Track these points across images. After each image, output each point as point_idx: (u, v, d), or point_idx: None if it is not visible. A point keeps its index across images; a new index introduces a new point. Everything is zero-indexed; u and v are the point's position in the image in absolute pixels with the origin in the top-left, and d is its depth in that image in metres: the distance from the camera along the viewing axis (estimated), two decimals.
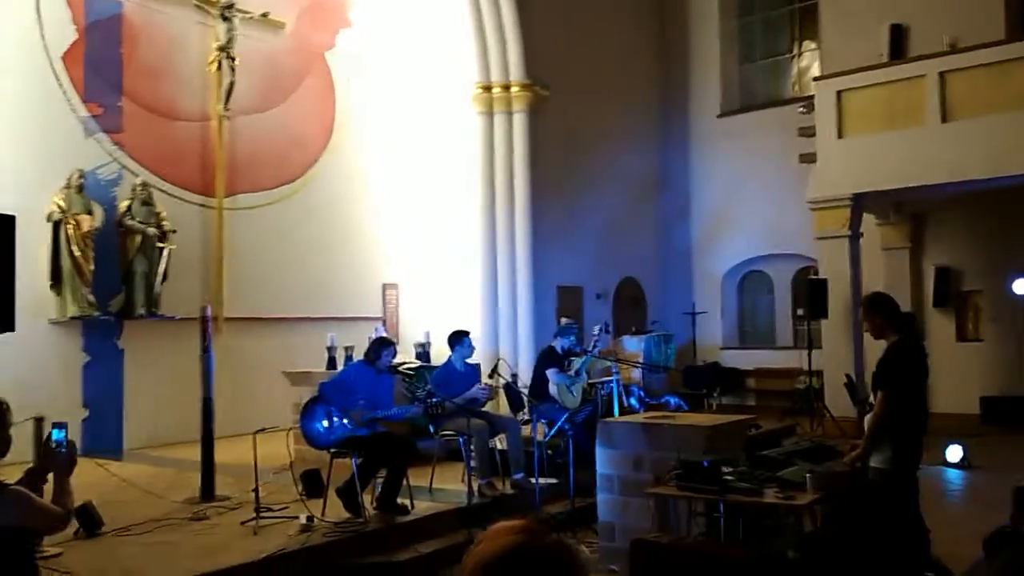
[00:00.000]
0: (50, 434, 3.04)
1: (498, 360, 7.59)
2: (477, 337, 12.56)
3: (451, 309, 12.93)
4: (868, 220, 13.32)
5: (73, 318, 9.57)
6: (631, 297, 15.45)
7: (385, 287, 13.06)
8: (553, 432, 7.26)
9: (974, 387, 12.93)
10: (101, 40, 10.05)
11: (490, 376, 7.18)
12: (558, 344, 8.25)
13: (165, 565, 5.20)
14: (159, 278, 10.22)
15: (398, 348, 7.08)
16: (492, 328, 12.90)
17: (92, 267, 9.64)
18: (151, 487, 7.45)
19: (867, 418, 4.72)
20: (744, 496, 4.19)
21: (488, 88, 13.06)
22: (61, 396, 9.57)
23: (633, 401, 9.96)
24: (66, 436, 3.04)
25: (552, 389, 7.80)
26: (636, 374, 10.28)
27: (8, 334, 9.16)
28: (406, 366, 8.89)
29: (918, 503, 4.73)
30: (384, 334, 8.45)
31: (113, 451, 9.80)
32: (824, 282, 11.74)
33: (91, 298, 9.63)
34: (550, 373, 7.84)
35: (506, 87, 13.05)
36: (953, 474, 9.14)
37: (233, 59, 10.97)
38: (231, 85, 10.99)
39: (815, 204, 11.94)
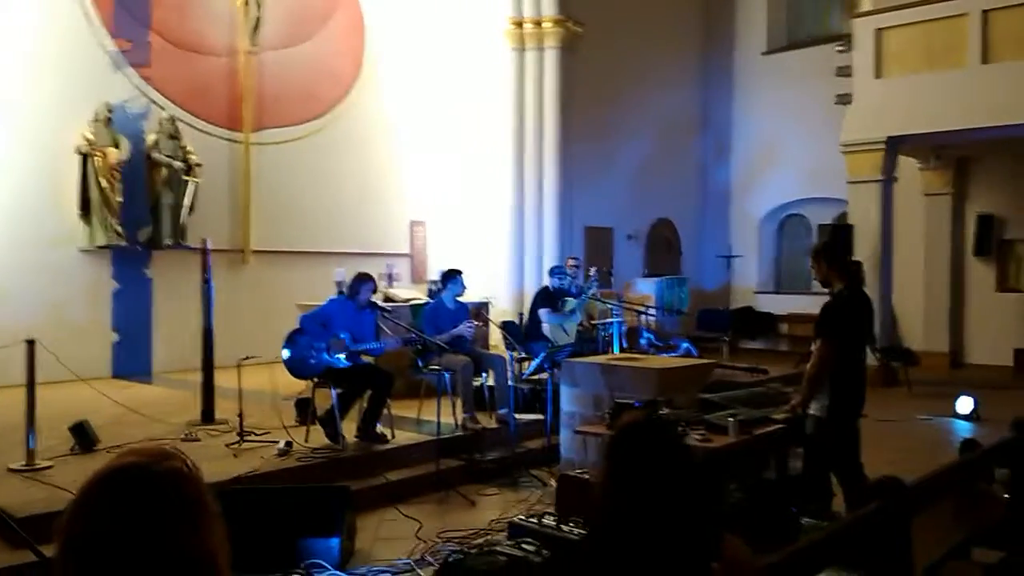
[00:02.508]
0: None
1: (485, 301, 7.67)
2: (503, 274, 12.85)
3: (478, 247, 13.07)
4: (910, 164, 12.92)
5: (101, 247, 9.99)
6: (664, 239, 15.34)
7: (413, 224, 13.22)
8: (532, 369, 7.38)
9: (1010, 339, 12.59)
10: None
11: (476, 315, 7.29)
12: (551, 284, 8.33)
13: None
14: (185, 210, 10.55)
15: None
16: (518, 267, 13.00)
17: (120, 198, 10.00)
18: (164, 409, 7.87)
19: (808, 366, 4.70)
20: None
21: (520, 23, 12.93)
22: (91, 321, 10.08)
23: (643, 343, 10.01)
24: None
25: (545, 328, 7.91)
26: (649, 316, 10.26)
27: (41, 260, 9.73)
28: (413, 302, 9.14)
29: (855, 451, 4.72)
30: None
31: (142, 374, 10.32)
32: (848, 228, 11.47)
33: (119, 228, 10.01)
34: (542, 313, 7.95)
35: (538, 22, 12.90)
36: (961, 425, 8.99)
37: None
38: (258, 20, 11.13)
39: (847, 147, 11.60)
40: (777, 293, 15.72)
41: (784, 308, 15.09)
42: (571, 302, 8.18)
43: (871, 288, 11.43)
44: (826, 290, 4.81)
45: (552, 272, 8.63)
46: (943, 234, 13.17)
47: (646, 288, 12.14)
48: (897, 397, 10.65)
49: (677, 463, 2.00)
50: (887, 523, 2.95)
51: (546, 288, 8.42)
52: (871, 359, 10.94)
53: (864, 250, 11.46)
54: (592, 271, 8.54)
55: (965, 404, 9.14)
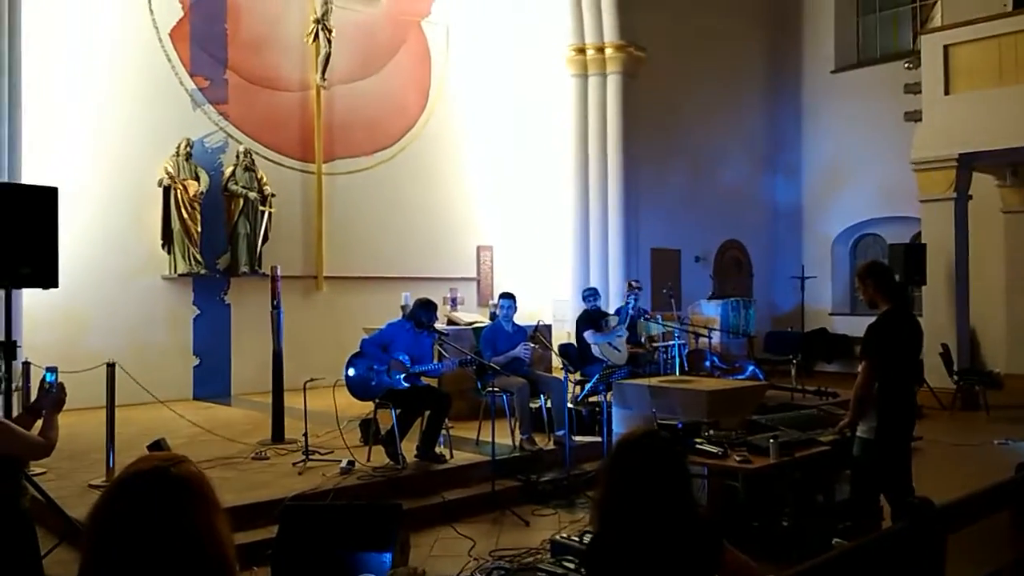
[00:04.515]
0: (44, 376, 3.57)
1: (538, 323, 7.80)
2: (568, 297, 12.97)
3: (544, 271, 13.24)
4: (987, 181, 12.58)
5: (182, 275, 10.50)
6: (734, 260, 15.22)
7: (479, 249, 13.47)
8: (586, 391, 7.46)
9: None
10: (205, 16, 10.85)
11: (531, 338, 7.42)
12: (586, 306, 8.47)
13: None
14: (260, 239, 11.02)
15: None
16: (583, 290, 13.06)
17: (199, 228, 10.51)
18: (238, 429, 8.23)
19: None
20: (703, 459, 4.30)
21: (582, 50, 13.09)
22: (174, 346, 10.59)
23: (707, 365, 9.98)
24: (56, 378, 3.57)
25: (595, 350, 7.99)
26: (714, 339, 10.23)
27: (126, 288, 10.28)
28: (476, 325, 9.33)
29: (905, 474, 4.66)
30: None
31: (221, 396, 10.77)
32: (922, 247, 11.22)
33: (199, 257, 10.52)
34: (587, 335, 8.03)
35: (600, 49, 13.03)
36: None
37: (330, 30, 11.55)
38: (328, 56, 11.59)
39: (918, 165, 11.38)
40: (852, 315, 15.38)
41: (861, 330, 14.69)
42: (613, 319, 8.30)
43: (945, 309, 11.25)
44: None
45: (585, 296, 8.85)
46: None
47: (710, 310, 12.07)
48: (975, 421, 10.34)
49: (672, 477, 2.10)
50: (914, 543, 2.96)
51: (586, 311, 8.56)
52: (944, 382, 10.77)
53: (938, 270, 11.20)
54: (630, 289, 8.68)
55: None
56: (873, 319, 4.73)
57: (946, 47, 11.03)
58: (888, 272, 4.81)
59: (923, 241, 11.60)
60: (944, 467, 7.76)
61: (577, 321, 8.70)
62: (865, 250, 15.72)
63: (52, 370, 3.60)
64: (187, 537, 1.50)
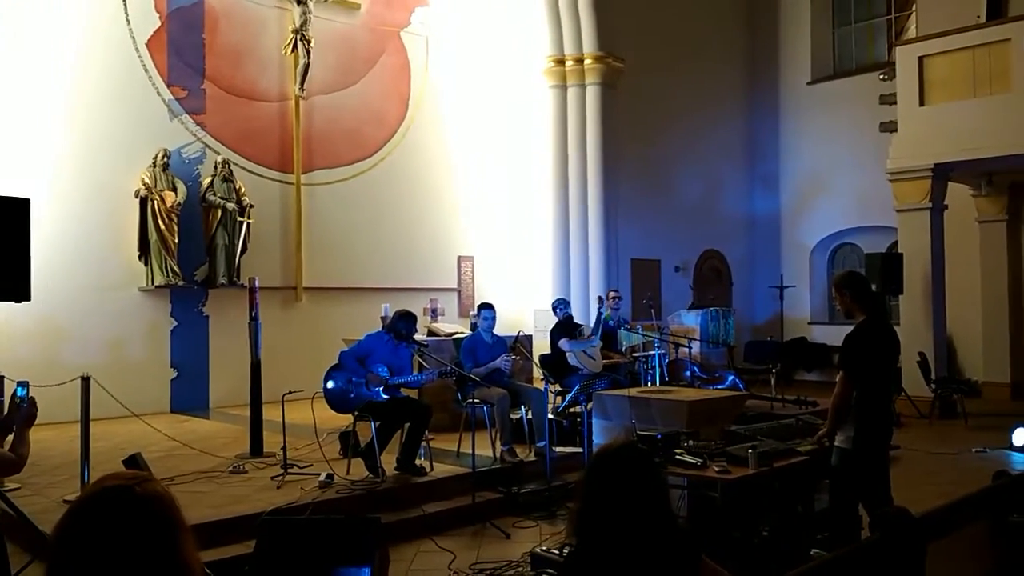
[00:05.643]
0: (15, 391, 3.51)
1: (518, 333, 7.79)
2: (548, 310, 12.95)
3: (524, 281, 13.24)
4: (962, 191, 12.72)
5: (160, 287, 10.40)
6: (714, 270, 15.29)
7: (460, 259, 13.45)
8: (567, 402, 7.44)
9: None
10: (183, 26, 10.79)
11: (512, 349, 7.41)
12: (557, 316, 8.52)
13: (184, 511, 5.72)
14: (239, 250, 10.93)
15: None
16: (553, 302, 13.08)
17: (177, 240, 10.41)
18: (216, 442, 8.14)
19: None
20: (683, 469, 4.30)
21: (561, 61, 13.16)
22: (151, 358, 10.48)
23: (687, 375, 10.00)
24: (27, 393, 3.51)
25: (571, 358, 8.00)
26: (694, 349, 10.26)
27: (103, 300, 10.17)
28: (456, 336, 9.30)
29: (883, 483, 4.67)
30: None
31: (200, 409, 10.66)
32: (898, 256, 11.32)
33: (176, 268, 10.42)
34: (562, 343, 8.05)
35: (579, 60, 13.11)
36: (1017, 458, 8.75)
37: (308, 41, 11.52)
38: (306, 66, 11.55)
39: (894, 175, 11.50)
40: (831, 324, 15.48)
41: (839, 339, 14.75)
42: (586, 328, 8.35)
43: (922, 318, 11.35)
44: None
45: (555, 307, 8.96)
46: (999, 261, 12.89)
47: (690, 320, 12.11)
48: (953, 429, 10.41)
49: (649, 489, 2.09)
50: (892, 553, 2.96)
51: (559, 322, 8.61)
52: (921, 391, 10.84)
53: (915, 279, 11.30)
54: (600, 301, 8.77)
55: (1021, 436, 8.90)
56: (851, 329, 4.76)
57: (921, 58, 11.16)
58: (865, 282, 4.84)
59: (899, 250, 11.71)
60: (923, 476, 7.80)
61: (551, 332, 8.72)
62: (843, 259, 15.85)
63: (23, 384, 3.54)
64: (151, 558, 1.47)
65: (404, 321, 6.75)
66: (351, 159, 12.36)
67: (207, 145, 11.02)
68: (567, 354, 8.11)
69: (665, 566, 2.08)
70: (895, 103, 11.71)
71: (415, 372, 6.86)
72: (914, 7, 14.22)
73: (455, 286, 13.34)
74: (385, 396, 6.67)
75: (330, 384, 6.66)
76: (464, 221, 13.46)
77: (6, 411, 3.60)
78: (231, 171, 10.95)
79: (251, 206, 10.99)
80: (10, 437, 3.43)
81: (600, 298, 9.46)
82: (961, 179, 12.14)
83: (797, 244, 15.86)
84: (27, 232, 5.33)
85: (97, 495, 1.50)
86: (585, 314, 12.81)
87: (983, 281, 12.99)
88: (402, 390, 6.92)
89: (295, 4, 11.41)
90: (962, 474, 7.96)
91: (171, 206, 10.33)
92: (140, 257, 10.31)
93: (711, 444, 4.68)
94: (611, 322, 8.66)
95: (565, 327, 8.54)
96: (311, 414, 7.07)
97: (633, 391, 6.30)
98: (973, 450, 9.05)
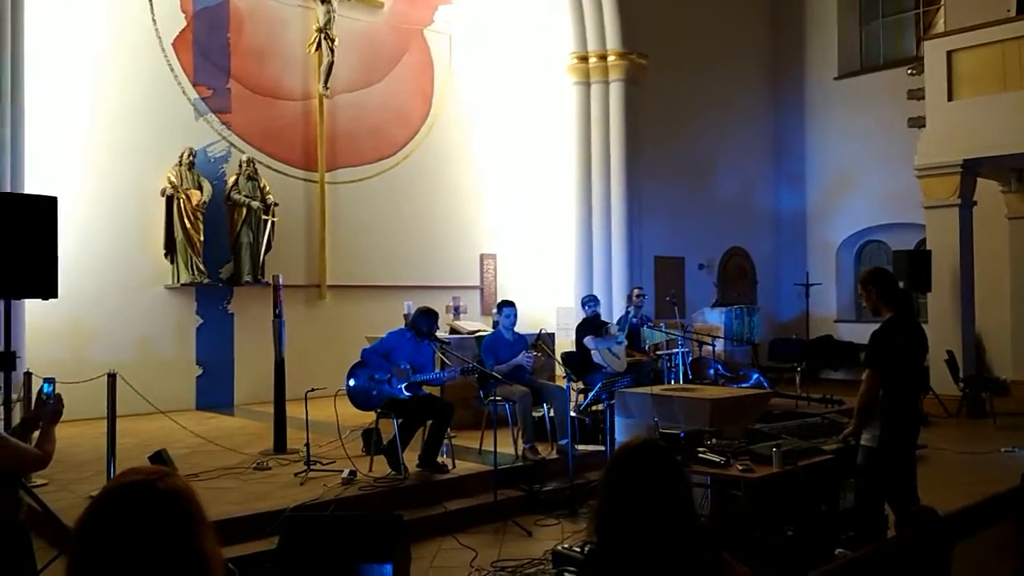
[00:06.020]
0: (41, 387, 3.56)
1: (540, 331, 7.77)
2: (572, 305, 12.92)
3: (547, 279, 13.22)
4: (992, 187, 12.54)
5: (185, 284, 10.49)
6: (739, 268, 15.18)
7: (483, 257, 13.46)
8: (589, 400, 7.41)
9: None
10: (208, 26, 10.87)
11: (533, 346, 7.39)
12: (586, 313, 8.48)
13: (208, 507, 5.77)
14: (264, 248, 11.00)
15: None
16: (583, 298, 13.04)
17: (202, 238, 10.50)
18: (240, 439, 8.21)
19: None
20: (706, 468, 4.27)
21: (584, 58, 13.09)
22: (177, 356, 10.58)
23: (710, 373, 9.93)
24: (54, 390, 3.55)
25: (595, 356, 7.96)
26: (718, 347, 10.18)
27: (130, 298, 10.28)
28: (478, 333, 9.29)
29: (910, 482, 4.62)
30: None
31: (225, 406, 10.75)
32: (927, 254, 11.18)
33: (202, 266, 10.51)
34: (587, 340, 8.01)
35: (602, 56, 13.02)
36: None
37: (332, 40, 11.57)
38: (330, 65, 11.60)
39: (922, 171, 11.36)
40: (857, 322, 15.32)
41: (866, 337, 14.57)
42: (613, 327, 8.29)
43: (950, 316, 11.20)
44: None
45: (584, 303, 8.86)
46: None
47: (714, 318, 12.02)
48: (982, 429, 10.27)
49: (670, 486, 2.07)
50: (918, 553, 2.92)
51: (586, 318, 8.56)
52: (949, 389, 10.69)
53: (943, 276, 11.16)
54: (629, 304, 8.72)
55: None
56: (877, 326, 4.70)
57: (949, 53, 11.01)
58: (891, 279, 4.78)
59: (928, 248, 11.56)
60: (950, 475, 7.70)
61: (577, 328, 8.70)
62: (869, 257, 15.67)
63: (50, 381, 3.58)
64: (170, 552, 1.47)
65: (425, 318, 6.76)
66: (374, 157, 12.41)
67: (232, 144, 11.10)
68: (591, 352, 8.08)
69: (686, 564, 2.06)
70: (923, 98, 11.56)
71: (437, 369, 6.86)
72: (943, 1, 14.01)
73: (478, 284, 13.35)
74: (407, 394, 6.68)
75: (352, 382, 6.69)
76: (487, 219, 13.47)
77: (33, 407, 3.64)
78: (256, 170, 11.03)
79: (275, 204, 11.05)
80: (37, 433, 3.48)
81: (632, 296, 9.40)
82: (990, 175, 11.96)
83: (823, 241, 15.70)
84: (55, 230, 5.40)
85: (118, 489, 1.51)
86: (609, 312, 12.80)
87: (1012, 278, 12.79)
88: (424, 388, 6.92)
89: (319, 3, 11.46)
90: (990, 474, 7.84)
91: (197, 205, 10.41)
92: (166, 255, 10.41)
93: (734, 443, 4.64)
94: (634, 320, 8.62)
95: (592, 324, 8.51)
96: (334, 411, 7.10)
97: (656, 389, 6.27)
98: (1002, 450, 8.93)
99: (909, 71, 12.49)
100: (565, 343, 11.04)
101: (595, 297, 9.33)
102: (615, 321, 9.35)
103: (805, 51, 15.81)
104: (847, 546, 4.18)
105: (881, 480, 4.48)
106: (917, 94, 11.84)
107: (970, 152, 10.86)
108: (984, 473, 7.84)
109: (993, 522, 3.53)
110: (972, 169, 11.14)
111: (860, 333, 14.85)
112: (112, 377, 6.21)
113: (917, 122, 11.89)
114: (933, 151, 11.19)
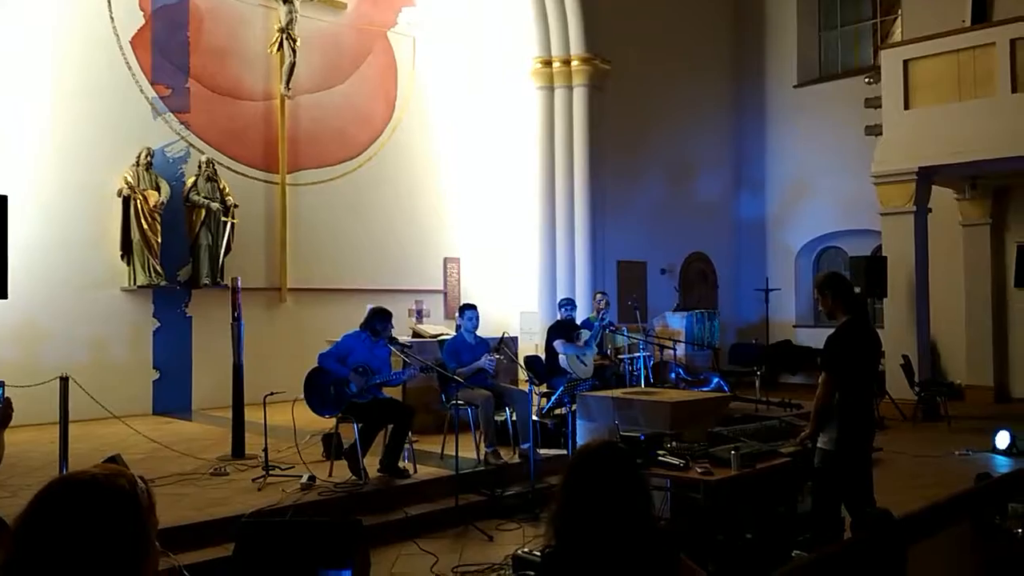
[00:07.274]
0: None
1: (503, 334, 7.75)
2: (536, 309, 12.93)
3: (511, 283, 13.21)
4: (947, 195, 12.78)
5: (142, 287, 10.30)
6: (700, 272, 15.30)
7: (447, 261, 13.41)
8: (551, 404, 7.42)
9: None
10: (167, 24, 10.70)
11: (496, 350, 7.38)
12: (561, 316, 8.45)
13: (163, 513, 5.66)
14: (223, 250, 10.85)
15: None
16: (551, 302, 13.04)
17: (159, 239, 10.32)
18: (198, 444, 8.07)
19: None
20: (666, 470, 4.29)
21: (548, 63, 13.14)
22: (133, 359, 10.38)
23: (672, 377, 9.99)
24: (3, 393, 3.45)
25: (562, 360, 7.96)
26: (679, 351, 10.25)
27: (84, 300, 10.07)
28: (441, 337, 9.25)
29: (866, 485, 4.67)
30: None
31: (182, 410, 10.57)
32: (883, 260, 11.36)
33: (159, 268, 10.33)
34: (557, 344, 8.00)
35: (566, 61, 13.08)
36: (999, 460, 8.79)
37: (294, 40, 11.45)
38: (292, 66, 11.48)
39: (878, 178, 11.55)
40: (816, 327, 15.52)
41: (823, 341, 14.83)
42: (585, 333, 8.28)
43: (906, 321, 11.39)
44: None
45: (561, 305, 8.83)
46: (983, 265, 12.96)
47: (676, 322, 12.11)
48: (937, 432, 10.44)
49: (628, 489, 2.06)
50: (874, 555, 2.95)
51: (559, 321, 8.54)
52: (905, 393, 10.88)
53: (899, 282, 11.34)
54: (601, 310, 8.68)
55: (1003, 439, 8.94)
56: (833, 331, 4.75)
57: (906, 62, 11.21)
58: (846, 283, 4.84)
59: (884, 254, 11.74)
60: (905, 478, 7.82)
61: (548, 329, 8.67)
62: (827, 263, 15.90)
63: None
64: (108, 552, 1.43)
65: (379, 318, 6.71)
66: (337, 159, 12.30)
67: (191, 144, 10.93)
68: (559, 356, 8.07)
69: (643, 566, 2.05)
70: (880, 107, 11.75)
71: (397, 370, 6.81)
72: (900, 11, 14.28)
73: (441, 288, 13.30)
74: (365, 397, 6.62)
75: (308, 388, 6.61)
76: (450, 223, 13.43)
77: None
78: (215, 170, 10.88)
79: (235, 206, 10.91)
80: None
81: (599, 298, 9.38)
82: (945, 183, 12.20)
83: (783, 247, 15.90)
84: (4, 229, 5.27)
85: (62, 484, 1.47)
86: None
87: (967, 285, 13.06)
88: (385, 391, 6.87)
89: (281, 3, 11.35)
90: (945, 476, 7.97)
91: (154, 205, 10.24)
92: (122, 257, 10.22)
93: (694, 445, 4.67)
94: (597, 324, 8.62)
95: (564, 327, 8.47)
96: (296, 415, 7.01)
97: (617, 392, 6.28)
98: (956, 453, 9.08)
99: (867, 80, 12.70)
100: (528, 347, 11.04)
101: (572, 301, 9.24)
102: (580, 323, 9.31)
103: (766, 59, 16.01)
104: (804, 548, 4.22)
105: (837, 482, 4.52)
106: (874, 102, 12.04)
107: (925, 160, 11.06)
108: (938, 476, 7.97)
109: (948, 523, 3.57)
110: (927, 177, 11.34)
111: (818, 337, 14.96)
112: (64, 380, 6.07)
113: (874, 130, 12.09)
114: (889, 159, 11.38)
